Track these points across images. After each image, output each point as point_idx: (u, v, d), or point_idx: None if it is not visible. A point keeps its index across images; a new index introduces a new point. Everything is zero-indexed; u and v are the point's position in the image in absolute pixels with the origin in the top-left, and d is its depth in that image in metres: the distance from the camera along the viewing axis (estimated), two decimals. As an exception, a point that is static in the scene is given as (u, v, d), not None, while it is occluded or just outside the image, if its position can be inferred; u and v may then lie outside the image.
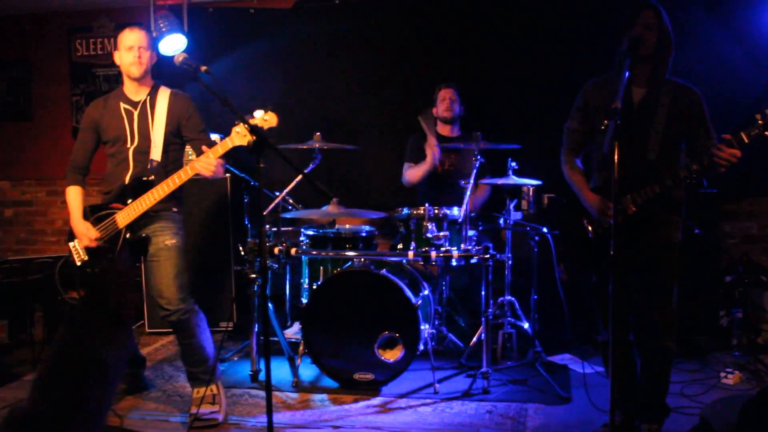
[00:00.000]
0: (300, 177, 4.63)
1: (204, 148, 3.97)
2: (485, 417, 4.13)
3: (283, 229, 5.11)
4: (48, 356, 1.79)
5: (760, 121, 3.19)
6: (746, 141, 3.23)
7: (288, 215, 5.13)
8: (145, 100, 4.23)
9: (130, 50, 4.15)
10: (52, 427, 1.51)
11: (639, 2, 3.56)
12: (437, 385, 4.53)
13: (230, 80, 6.25)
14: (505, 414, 4.17)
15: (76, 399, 1.56)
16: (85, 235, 4.16)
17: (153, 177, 4.12)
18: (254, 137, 3.15)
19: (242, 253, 4.88)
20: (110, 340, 1.72)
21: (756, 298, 5.38)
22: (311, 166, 4.93)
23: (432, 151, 5.43)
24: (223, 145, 3.91)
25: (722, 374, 4.63)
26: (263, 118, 3.83)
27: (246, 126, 3.23)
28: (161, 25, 5.99)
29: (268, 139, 3.19)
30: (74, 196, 4.29)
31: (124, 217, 4.10)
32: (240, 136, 3.81)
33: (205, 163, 3.93)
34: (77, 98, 6.92)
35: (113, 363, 1.68)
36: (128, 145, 4.19)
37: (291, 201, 5.44)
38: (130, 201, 4.09)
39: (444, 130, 5.71)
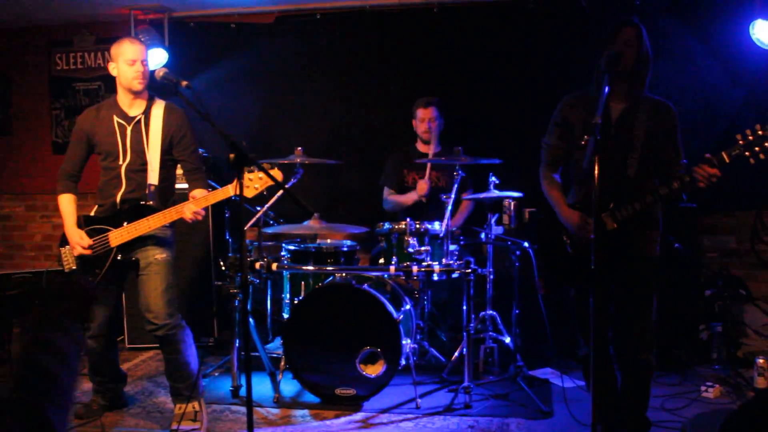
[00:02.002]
0: (281, 192, 4.63)
1: (198, 192, 4.03)
2: (467, 432, 4.14)
3: (264, 243, 5.09)
4: (18, 350, 1.97)
5: (740, 141, 3.23)
6: (727, 161, 3.26)
7: (269, 230, 5.12)
8: (140, 119, 4.16)
9: (132, 64, 4.07)
10: (32, 409, 1.75)
11: (620, 19, 3.60)
12: (419, 400, 4.52)
13: (211, 95, 6.24)
14: (487, 429, 4.16)
15: (45, 382, 1.82)
16: (78, 243, 4.11)
17: (151, 203, 4.11)
18: (234, 154, 3.14)
19: (223, 268, 4.86)
20: (60, 327, 1.97)
21: (735, 312, 5.42)
22: (292, 180, 4.92)
23: (420, 189, 5.45)
24: (224, 191, 3.90)
25: (703, 388, 4.65)
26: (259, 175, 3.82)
27: (233, 154, 3.19)
28: (142, 39, 5.98)
29: (249, 155, 3.18)
30: (67, 203, 4.25)
31: (118, 237, 4.08)
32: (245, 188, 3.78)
33: (192, 214, 3.95)
34: (57, 112, 6.88)
35: (68, 347, 1.95)
36: (120, 162, 4.15)
37: (272, 216, 5.43)
38: (125, 223, 4.07)
39: (423, 147, 5.71)
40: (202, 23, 6.51)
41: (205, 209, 4.04)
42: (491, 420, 4.28)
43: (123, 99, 4.20)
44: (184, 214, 3.97)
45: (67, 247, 4.19)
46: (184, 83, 3.54)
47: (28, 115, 7.00)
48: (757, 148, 3.20)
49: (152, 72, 3.75)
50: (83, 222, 4.19)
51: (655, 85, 3.65)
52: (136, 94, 4.17)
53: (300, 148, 5.00)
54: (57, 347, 1.92)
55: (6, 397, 1.80)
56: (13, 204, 7.16)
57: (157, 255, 4.14)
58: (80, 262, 4.16)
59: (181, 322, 4.17)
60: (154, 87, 4.16)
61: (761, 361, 4.68)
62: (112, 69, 4.16)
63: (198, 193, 4.08)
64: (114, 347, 4.49)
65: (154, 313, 4.08)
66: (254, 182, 3.82)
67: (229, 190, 3.89)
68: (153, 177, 4.15)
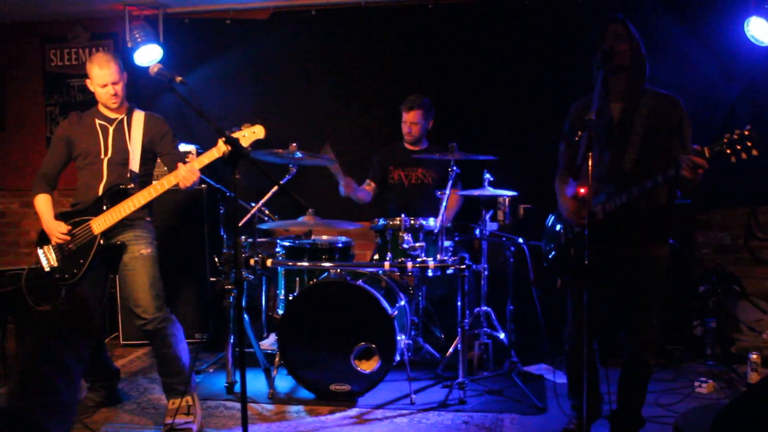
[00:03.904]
0: (276, 188, 4.62)
1: (189, 158, 4.00)
2: (461, 427, 4.14)
3: (258, 240, 5.10)
4: (21, 361, 2.11)
5: (725, 140, 3.22)
6: (707, 156, 3.24)
7: (264, 226, 5.12)
8: (122, 119, 4.28)
9: (104, 87, 4.18)
10: (32, 420, 1.78)
11: (605, 17, 3.59)
12: (414, 396, 4.53)
13: (206, 91, 6.24)
14: (482, 424, 4.17)
15: (47, 395, 1.85)
16: (56, 230, 4.13)
17: (131, 185, 4.13)
18: (229, 147, 3.14)
19: (218, 264, 4.85)
20: (68, 343, 1.99)
21: (729, 308, 5.44)
22: (287, 177, 4.91)
23: (346, 190, 5.45)
24: (209, 155, 3.97)
25: (696, 383, 4.67)
26: (252, 130, 3.90)
27: (222, 139, 3.22)
28: (136, 35, 5.97)
29: (244, 150, 3.18)
30: (44, 202, 4.30)
31: (100, 223, 4.10)
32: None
33: (187, 171, 3.97)
34: (51, 108, 6.85)
35: (73, 362, 1.97)
36: (102, 156, 4.21)
37: (267, 212, 5.43)
38: (106, 208, 4.08)
39: (409, 145, 5.72)
40: (197, 19, 6.50)
41: (200, 202, 4.05)
42: (485, 415, 4.30)
43: (105, 108, 4.31)
44: (170, 182, 4.02)
45: (45, 246, 4.21)
46: (179, 79, 3.54)
47: (22, 111, 6.98)
48: (738, 147, 3.19)
49: (146, 68, 3.75)
50: (60, 218, 4.22)
51: (650, 81, 3.65)
52: (114, 109, 4.28)
53: (295, 144, 4.99)
54: (60, 360, 1.94)
55: (4, 407, 1.80)
56: (7, 200, 7.14)
57: (142, 250, 4.17)
58: (63, 256, 4.17)
59: (170, 315, 4.20)
60: (148, 83, 4.17)
61: (754, 356, 4.71)
62: (90, 86, 4.28)
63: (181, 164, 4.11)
64: (101, 346, 4.51)
65: (142, 307, 4.09)
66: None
67: (214, 153, 3.99)
68: (134, 165, 4.23)
